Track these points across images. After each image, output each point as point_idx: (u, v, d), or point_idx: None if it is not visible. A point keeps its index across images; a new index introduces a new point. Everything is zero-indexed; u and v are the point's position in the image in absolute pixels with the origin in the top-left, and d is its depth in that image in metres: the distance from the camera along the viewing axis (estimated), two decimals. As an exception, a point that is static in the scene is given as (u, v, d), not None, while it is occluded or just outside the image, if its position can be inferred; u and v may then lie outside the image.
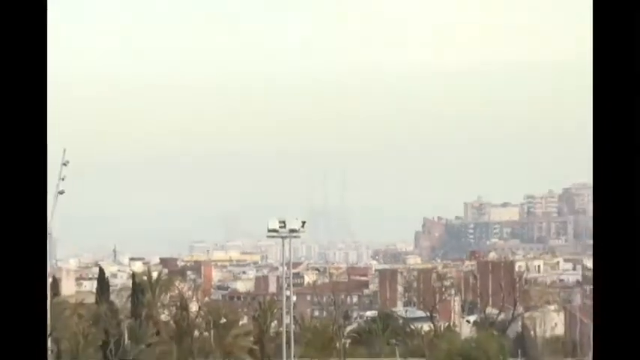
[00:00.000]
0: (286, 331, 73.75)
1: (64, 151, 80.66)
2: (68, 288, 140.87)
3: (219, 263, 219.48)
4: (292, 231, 72.80)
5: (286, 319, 77.11)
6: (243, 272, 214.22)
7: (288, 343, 71.33)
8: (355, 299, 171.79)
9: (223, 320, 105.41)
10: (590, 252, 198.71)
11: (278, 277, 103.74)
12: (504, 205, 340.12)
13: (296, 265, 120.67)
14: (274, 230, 72.49)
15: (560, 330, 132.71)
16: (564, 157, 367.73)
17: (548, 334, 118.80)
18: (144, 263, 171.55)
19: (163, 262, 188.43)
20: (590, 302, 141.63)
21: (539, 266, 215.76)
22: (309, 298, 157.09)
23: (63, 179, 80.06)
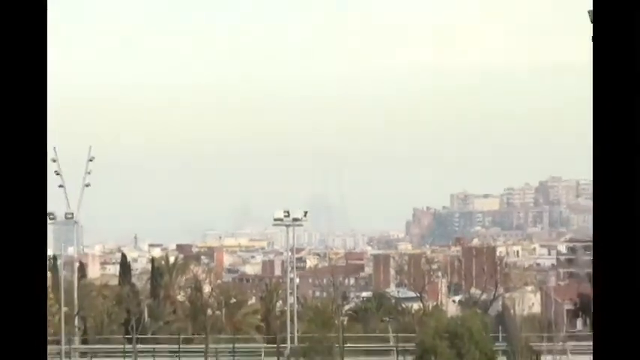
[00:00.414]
0: (290, 310, 73.85)
1: (90, 148, 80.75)
2: (94, 271, 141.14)
3: (229, 249, 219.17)
4: (295, 220, 73.09)
5: (290, 299, 77.17)
6: (252, 257, 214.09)
7: (291, 320, 71.45)
8: (352, 281, 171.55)
9: (233, 300, 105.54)
10: (563, 238, 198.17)
11: (283, 262, 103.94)
12: (486, 196, 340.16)
13: (299, 250, 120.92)
14: (279, 219, 72.80)
15: (536, 309, 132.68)
16: (540, 153, 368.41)
17: (525, 313, 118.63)
18: (162, 249, 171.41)
19: (179, 248, 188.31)
20: (563, 283, 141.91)
21: (517, 251, 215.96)
22: (310, 280, 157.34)
23: (89, 173, 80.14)
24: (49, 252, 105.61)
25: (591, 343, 62.84)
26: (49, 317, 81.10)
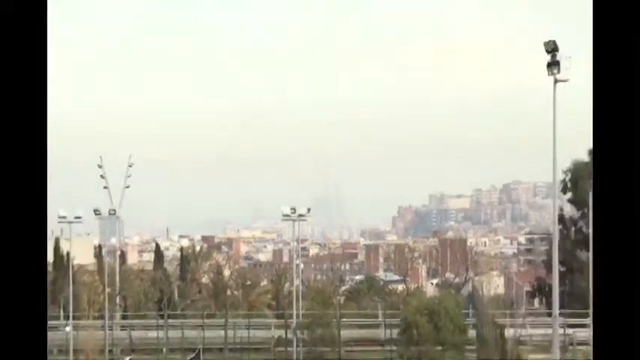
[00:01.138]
0: (296, 291, 74.07)
1: (130, 156, 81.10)
2: (132, 258, 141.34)
3: (245, 240, 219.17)
4: (300, 216, 73.25)
5: (296, 282, 77.30)
6: (264, 247, 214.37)
7: (297, 299, 71.66)
8: (347, 267, 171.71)
9: (248, 282, 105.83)
10: (523, 231, 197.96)
11: (290, 250, 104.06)
12: (459, 196, 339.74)
13: (303, 241, 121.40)
14: (287, 215, 72.96)
15: (500, 290, 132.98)
16: (504, 159, 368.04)
17: (491, 293, 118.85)
18: (189, 240, 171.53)
19: (204, 238, 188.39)
20: (522, 269, 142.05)
21: (485, 242, 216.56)
22: (312, 266, 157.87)
23: (129, 176, 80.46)
24: (95, 242, 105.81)
25: (546, 319, 62.66)
26: (95, 296, 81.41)
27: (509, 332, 65.03)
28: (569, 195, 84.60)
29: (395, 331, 63.63)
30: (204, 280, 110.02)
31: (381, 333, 68.63)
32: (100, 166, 78.47)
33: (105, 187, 79.67)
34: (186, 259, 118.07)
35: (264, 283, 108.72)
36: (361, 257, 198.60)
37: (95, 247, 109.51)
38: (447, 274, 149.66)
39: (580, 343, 60.54)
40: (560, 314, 54.19)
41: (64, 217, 70.05)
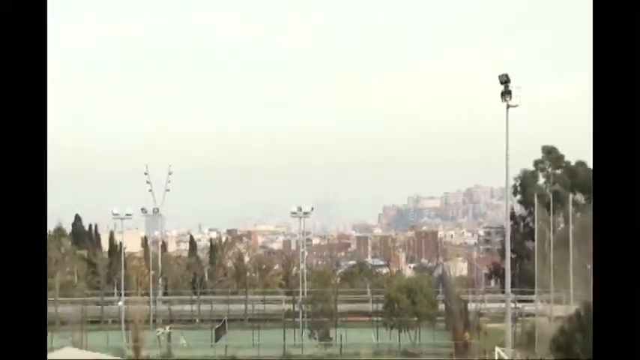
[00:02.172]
0: (301, 273, 73.99)
1: (169, 165, 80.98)
2: (171, 247, 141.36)
3: (261, 233, 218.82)
4: (305, 213, 73.18)
5: (302, 266, 77.14)
6: (276, 238, 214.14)
7: (302, 280, 71.56)
8: (342, 254, 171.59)
9: (264, 266, 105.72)
10: (482, 226, 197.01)
11: (296, 241, 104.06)
12: (431, 198, 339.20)
13: (307, 233, 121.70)
14: (295, 213, 72.90)
15: (464, 272, 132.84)
16: (466, 167, 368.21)
17: (457, 275, 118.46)
18: (217, 232, 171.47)
19: (228, 232, 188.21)
20: (481, 256, 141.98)
21: (452, 235, 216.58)
22: (315, 253, 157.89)
23: (169, 182, 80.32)
24: (142, 234, 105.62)
25: (500, 295, 62.06)
26: (142, 278, 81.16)
27: (471, 306, 64.92)
28: (518, 197, 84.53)
29: (380, 305, 63.55)
30: (229, 264, 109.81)
31: (369, 307, 68.57)
32: (146, 174, 78.33)
33: (150, 190, 79.49)
34: (214, 248, 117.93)
35: (277, 267, 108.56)
36: (353, 246, 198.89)
37: (142, 239, 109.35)
38: (422, 260, 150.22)
39: (527, 315, 60.39)
40: (511, 292, 54.13)
41: (117, 215, 70.25)
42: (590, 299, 30.94)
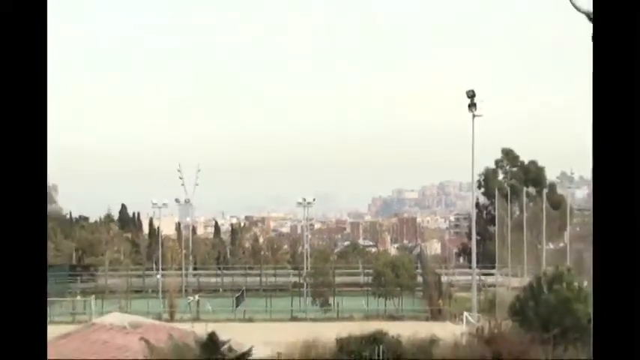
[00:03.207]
0: (305, 252, 74.05)
1: (199, 164, 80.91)
2: (200, 231, 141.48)
3: (273, 219, 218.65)
4: (309, 203, 73.19)
5: (305, 246, 77.22)
6: (285, 223, 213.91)
7: (306, 257, 71.59)
8: (339, 236, 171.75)
9: (275, 246, 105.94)
10: (452, 214, 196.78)
11: (302, 226, 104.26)
12: (411, 190, 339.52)
13: (310, 219, 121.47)
14: (300, 202, 72.92)
15: (438, 251, 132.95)
16: (440, 166, 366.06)
17: (432, 253, 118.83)
18: (237, 219, 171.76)
19: (246, 218, 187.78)
20: (452, 238, 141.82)
21: (428, 220, 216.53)
22: (316, 236, 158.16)
23: (198, 176, 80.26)
24: (175, 220, 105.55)
25: (467, 270, 61.85)
26: (175, 255, 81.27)
27: (443, 279, 64.93)
28: (482, 190, 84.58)
29: (370, 278, 63.56)
30: (246, 245, 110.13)
31: (360, 279, 68.54)
32: (179, 171, 78.34)
33: (182, 185, 79.52)
34: (234, 231, 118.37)
35: (285, 247, 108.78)
36: (348, 230, 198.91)
37: (175, 224, 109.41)
38: (404, 241, 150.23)
39: (489, 285, 60.45)
40: (476, 267, 54.21)
41: (156, 204, 70.50)
42: (539, 273, 30.96)
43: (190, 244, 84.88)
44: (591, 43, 11.71)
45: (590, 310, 11.12)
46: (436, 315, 53.82)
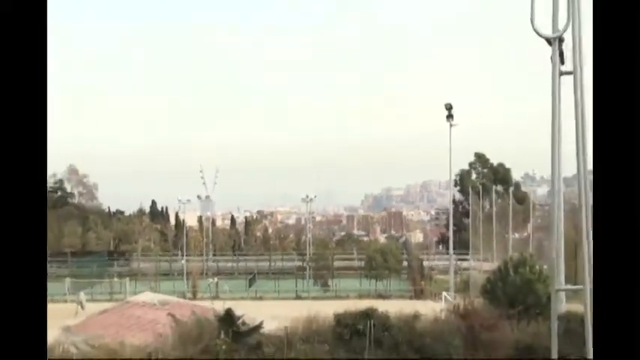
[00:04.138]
0: (308, 240, 74.07)
1: (217, 166, 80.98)
2: (218, 223, 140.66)
3: (280, 212, 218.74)
4: (311, 199, 73.23)
5: (308, 235, 77.27)
6: (291, 216, 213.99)
7: (309, 245, 71.61)
8: (337, 227, 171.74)
9: (282, 235, 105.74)
10: (433, 208, 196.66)
11: (305, 219, 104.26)
12: (398, 188, 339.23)
13: (312, 213, 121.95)
14: (304, 198, 73.02)
15: (421, 240, 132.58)
16: (423, 167, 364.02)
17: (416, 241, 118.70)
18: (250, 212, 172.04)
19: (258, 212, 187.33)
20: (433, 229, 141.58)
21: (412, 214, 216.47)
22: (317, 227, 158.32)
23: (217, 176, 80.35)
24: (198, 214, 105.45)
25: (445, 256, 61.65)
26: (197, 243, 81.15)
27: (425, 263, 64.94)
28: (458, 188, 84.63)
29: (362, 263, 63.57)
30: (258, 234, 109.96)
31: (354, 264, 68.55)
32: (200, 172, 78.45)
33: (203, 184, 79.60)
34: (248, 223, 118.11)
35: (291, 236, 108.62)
36: (344, 222, 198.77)
37: (198, 217, 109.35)
38: (392, 232, 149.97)
39: (464, 269, 60.41)
40: (453, 253, 54.19)
41: (181, 200, 70.53)
42: (507, 258, 30.93)
43: (210, 234, 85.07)
44: (550, 63, 11.08)
45: (549, 289, 10.74)
46: (419, 294, 53.78)
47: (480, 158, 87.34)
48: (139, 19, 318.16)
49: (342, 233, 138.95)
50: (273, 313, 26.04)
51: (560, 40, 12.54)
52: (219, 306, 24.53)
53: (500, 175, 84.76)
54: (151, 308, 27.47)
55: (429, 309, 26.71)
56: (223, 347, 20.67)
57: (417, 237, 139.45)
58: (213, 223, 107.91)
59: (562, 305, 22.24)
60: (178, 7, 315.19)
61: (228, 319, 21.70)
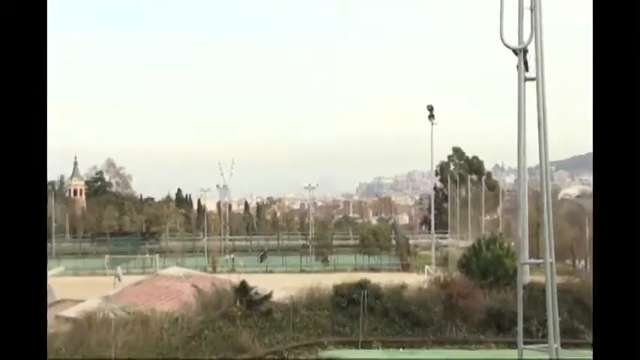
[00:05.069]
0: (310, 222, 74.12)
1: (233, 159, 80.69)
2: (234, 208, 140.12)
3: (287, 199, 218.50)
4: (313, 187, 73.52)
5: (311, 218, 77.35)
6: (296, 202, 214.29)
7: (311, 226, 71.64)
8: (335, 211, 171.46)
9: (289, 218, 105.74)
10: (418, 194, 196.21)
11: (308, 204, 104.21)
12: (388, 177, 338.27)
13: (313, 199, 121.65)
14: (306, 187, 73.19)
15: (407, 221, 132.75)
16: (409, 159, 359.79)
17: (402, 223, 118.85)
18: (261, 199, 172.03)
19: (268, 198, 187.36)
20: (417, 212, 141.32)
21: (400, 200, 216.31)
22: (318, 211, 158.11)
23: (232, 168, 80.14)
24: (217, 200, 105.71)
25: (428, 234, 61.66)
26: (216, 225, 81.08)
27: (411, 241, 64.96)
28: (438, 177, 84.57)
29: (357, 241, 63.61)
30: (268, 217, 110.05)
31: (350, 242, 68.57)
32: (219, 164, 78.28)
33: (221, 175, 79.49)
34: (259, 208, 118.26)
35: (296, 219, 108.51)
36: (342, 207, 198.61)
37: (217, 203, 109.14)
38: (382, 215, 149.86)
39: (444, 246, 60.45)
40: (434, 233, 54.22)
41: (202, 188, 70.91)
42: (480, 236, 30.96)
43: (227, 218, 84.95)
44: (516, 71, 10.68)
45: (515, 263, 10.59)
46: (405, 268, 53.84)
47: (457, 152, 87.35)
48: (170, 24, 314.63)
49: (340, 216, 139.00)
50: (281, 285, 26.07)
51: (525, 50, 12.68)
52: (235, 278, 24.58)
53: (474, 166, 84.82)
54: (178, 280, 27.53)
55: (414, 280, 26.76)
56: (239, 313, 20.74)
57: (404, 219, 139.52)
58: (230, 208, 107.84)
59: (526, 277, 22.32)
60: (205, 15, 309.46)
61: (242, 289, 21.76)
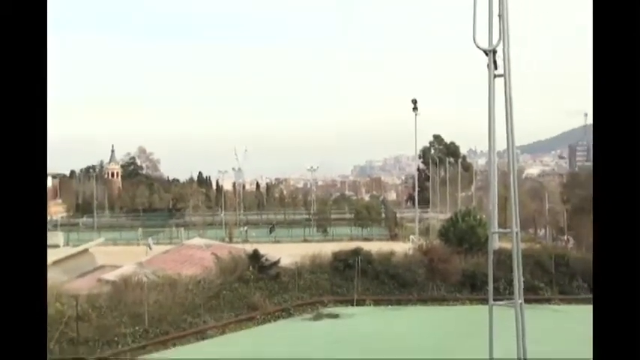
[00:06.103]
0: (312, 200, 74.04)
1: (245, 146, 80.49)
2: (247, 187, 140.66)
3: (292, 179, 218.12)
4: (314, 169, 73.40)
5: (312, 196, 77.24)
6: (300, 182, 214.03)
7: (313, 203, 71.56)
8: (333, 189, 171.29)
9: (294, 196, 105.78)
10: (404, 174, 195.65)
11: (310, 183, 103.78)
12: (378, 161, 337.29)
13: (315, 179, 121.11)
14: (309, 169, 73.13)
15: (395, 198, 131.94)
16: (397, 145, 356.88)
17: (391, 199, 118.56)
18: (270, 179, 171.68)
19: (276, 179, 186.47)
20: (403, 190, 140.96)
21: (388, 180, 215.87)
22: (319, 190, 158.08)
23: (245, 152, 79.90)
24: (232, 180, 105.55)
25: (412, 209, 61.50)
26: (232, 202, 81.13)
27: (398, 215, 64.99)
28: (421, 160, 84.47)
29: (352, 215, 63.63)
30: (276, 195, 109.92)
31: (346, 216, 68.48)
32: (234, 150, 78.17)
33: (236, 159, 79.38)
34: (268, 187, 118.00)
35: (300, 196, 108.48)
36: (339, 186, 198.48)
37: (232, 183, 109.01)
38: (373, 192, 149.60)
39: (426, 219, 60.51)
40: (418, 207, 54.21)
41: (220, 171, 70.70)
42: (457, 210, 31.00)
43: (241, 196, 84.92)
44: (486, 70, 9.82)
45: (486, 232, 10.13)
46: (393, 237, 53.84)
47: (437, 138, 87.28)
48: (170, 26, 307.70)
49: (337, 194, 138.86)
50: (287, 252, 26.18)
51: (494, 51, 12.81)
52: (249, 247, 24.68)
53: (451, 150, 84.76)
54: (200, 249, 27.67)
55: (401, 248, 26.85)
56: (252, 277, 20.89)
57: (392, 196, 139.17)
58: (244, 187, 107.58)
59: (496, 244, 22.37)
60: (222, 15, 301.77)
61: (255, 256, 21.87)
